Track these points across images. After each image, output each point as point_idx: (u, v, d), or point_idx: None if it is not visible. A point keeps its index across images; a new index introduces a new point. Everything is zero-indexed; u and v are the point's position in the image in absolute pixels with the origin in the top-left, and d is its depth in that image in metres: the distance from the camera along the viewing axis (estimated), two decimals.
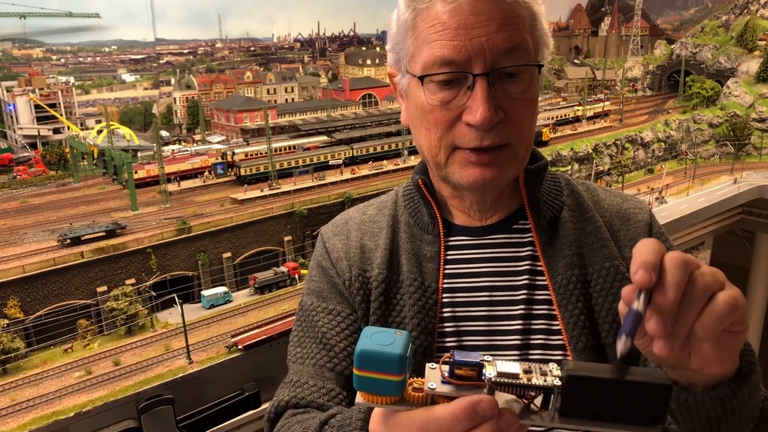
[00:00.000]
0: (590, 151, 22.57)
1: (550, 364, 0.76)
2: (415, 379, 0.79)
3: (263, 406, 9.77)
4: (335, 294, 1.40)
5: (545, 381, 0.74)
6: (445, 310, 1.31)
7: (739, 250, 17.70)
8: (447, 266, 1.33)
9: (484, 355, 0.77)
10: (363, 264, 1.38)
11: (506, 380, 0.74)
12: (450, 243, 1.35)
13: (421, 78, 1.17)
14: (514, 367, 0.76)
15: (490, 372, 0.75)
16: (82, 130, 21.71)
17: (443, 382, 0.76)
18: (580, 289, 1.26)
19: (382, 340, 0.76)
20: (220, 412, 9.52)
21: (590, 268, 1.28)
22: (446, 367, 0.76)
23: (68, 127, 21.62)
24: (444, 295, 1.32)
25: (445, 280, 1.32)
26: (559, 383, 0.73)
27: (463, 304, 1.31)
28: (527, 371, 0.75)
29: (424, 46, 1.16)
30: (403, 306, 1.32)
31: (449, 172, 1.22)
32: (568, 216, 1.34)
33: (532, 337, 1.27)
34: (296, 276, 14.01)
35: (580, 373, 0.72)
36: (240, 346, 10.53)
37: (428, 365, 0.79)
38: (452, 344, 1.29)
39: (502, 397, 0.76)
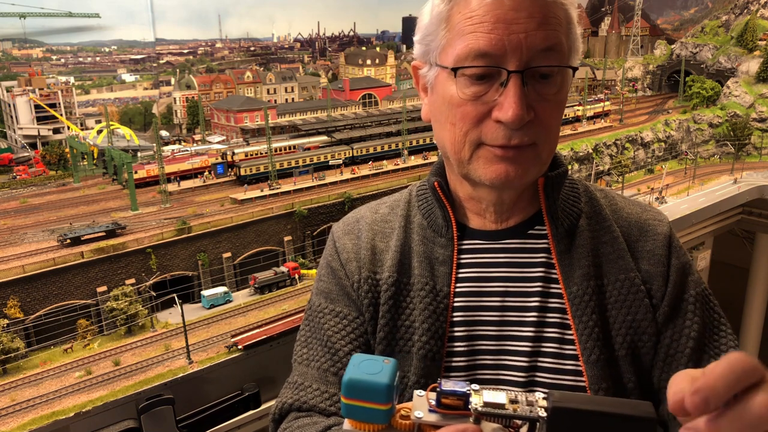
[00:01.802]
0: (590, 151, 22.57)
1: (537, 393, 0.77)
2: (404, 405, 0.79)
3: (263, 406, 9.76)
4: (343, 296, 1.38)
5: (531, 411, 0.74)
6: (456, 314, 1.29)
7: (739, 250, 17.69)
8: (460, 270, 1.32)
9: (471, 384, 0.78)
10: (373, 266, 1.36)
11: (492, 410, 0.75)
12: (463, 246, 1.33)
13: (455, 70, 1.15)
14: (501, 396, 0.76)
15: (476, 401, 0.75)
16: (82, 130, 21.71)
17: (430, 411, 0.77)
18: (596, 301, 1.24)
19: (370, 368, 0.76)
20: (220, 412, 9.51)
21: (605, 279, 1.27)
22: (433, 396, 0.77)
23: (68, 127, 21.62)
24: (456, 299, 1.30)
25: (458, 284, 1.31)
26: (545, 414, 0.73)
27: (475, 309, 1.29)
28: (513, 401, 0.76)
29: (458, 38, 1.14)
30: (413, 309, 1.30)
31: (472, 168, 1.20)
32: (585, 224, 1.32)
33: (544, 344, 1.25)
34: (296, 276, 14.01)
35: (565, 405, 0.71)
36: (240, 346, 10.52)
37: (416, 392, 0.80)
38: (462, 349, 1.28)
39: (488, 427, 0.77)
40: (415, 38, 1.27)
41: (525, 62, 1.10)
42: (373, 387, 0.74)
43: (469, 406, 0.76)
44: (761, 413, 0.65)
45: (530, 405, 0.75)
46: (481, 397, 0.76)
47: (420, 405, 0.78)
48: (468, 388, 0.77)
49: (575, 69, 1.18)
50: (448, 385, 0.77)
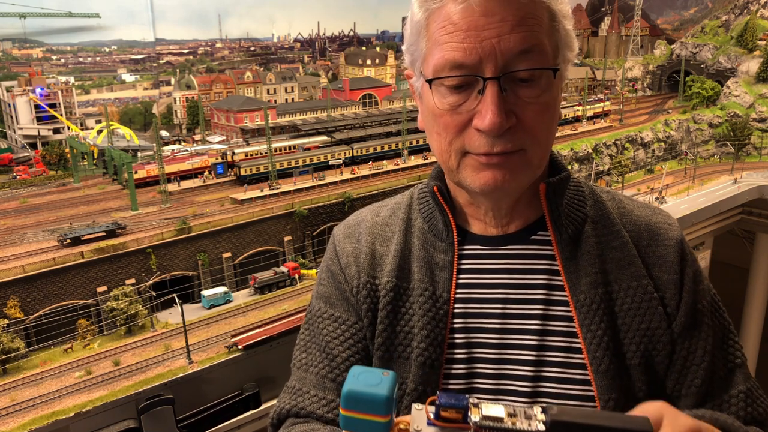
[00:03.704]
0: (590, 151, 22.56)
1: (535, 407, 0.77)
2: (402, 419, 0.79)
3: (263, 406, 9.77)
4: (342, 301, 1.37)
5: (529, 425, 0.75)
6: (456, 320, 1.27)
7: (739, 250, 17.69)
8: (460, 276, 1.29)
9: (470, 397, 0.78)
10: (372, 271, 1.34)
11: (491, 423, 0.75)
12: (464, 252, 1.30)
13: (430, 81, 1.13)
14: (499, 410, 0.76)
15: (475, 415, 0.76)
16: (82, 130, 21.71)
17: (428, 424, 0.77)
18: (605, 309, 1.21)
19: (369, 380, 0.76)
20: (220, 412, 9.52)
21: (615, 285, 1.23)
22: (432, 409, 0.77)
23: (68, 127, 21.62)
24: (456, 305, 1.28)
25: (458, 290, 1.28)
26: (543, 428, 0.74)
27: (475, 315, 1.27)
28: (512, 414, 0.76)
29: (435, 47, 1.12)
30: (411, 315, 1.28)
31: (461, 177, 1.18)
32: (591, 229, 1.28)
33: (548, 353, 1.22)
34: (296, 276, 14.01)
35: (563, 419, 0.73)
36: (240, 346, 10.52)
37: (414, 405, 0.80)
38: (462, 356, 1.26)
39: None
40: (403, 47, 1.26)
41: (501, 68, 1.07)
42: (372, 399, 0.74)
43: (468, 420, 0.76)
44: None
45: (528, 419, 0.75)
46: (480, 411, 0.76)
47: (418, 418, 0.78)
48: (467, 400, 0.77)
49: (556, 70, 1.12)
50: (446, 397, 0.77)
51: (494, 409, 0.76)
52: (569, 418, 0.73)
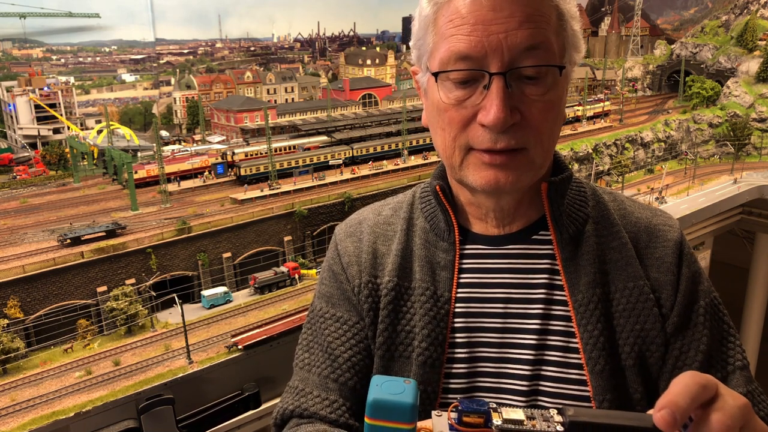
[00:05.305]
0: (590, 151, 22.57)
1: (551, 410, 0.80)
2: (424, 425, 0.81)
3: (263, 406, 9.78)
4: (344, 301, 1.37)
5: (548, 427, 0.78)
6: (457, 320, 1.27)
7: (739, 250, 17.70)
8: (462, 275, 1.29)
9: (490, 402, 0.81)
10: (374, 270, 1.34)
11: (512, 426, 0.78)
12: (466, 251, 1.30)
13: (436, 74, 1.13)
14: (519, 413, 0.79)
15: (496, 419, 0.78)
16: (82, 130, 21.72)
17: (451, 429, 0.79)
18: (601, 309, 1.21)
19: (392, 389, 0.79)
20: (220, 412, 9.53)
21: (613, 286, 1.24)
22: (454, 415, 0.80)
23: (68, 127, 21.63)
24: (457, 304, 1.28)
25: (459, 290, 1.28)
26: (562, 429, 0.77)
27: (476, 315, 1.27)
28: (531, 417, 0.79)
29: (442, 41, 1.12)
30: (413, 315, 1.28)
31: (464, 174, 1.18)
32: (592, 230, 1.28)
33: (547, 353, 1.23)
34: (296, 276, 14.01)
35: (580, 419, 0.76)
36: (240, 346, 10.53)
37: (434, 413, 0.82)
38: (463, 355, 1.26)
39: None
40: (410, 43, 1.26)
41: (507, 63, 1.07)
42: (398, 407, 0.76)
43: (490, 424, 0.78)
44: (718, 430, 0.70)
45: (547, 420, 0.78)
46: (501, 415, 0.79)
47: (439, 424, 0.80)
48: (488, 405, 0.79)
49: (562, 68, 1.13)
50: (468, 403, 0.79)
51: (514, 413, 0.79)
52: (586, 418, 0.76)
